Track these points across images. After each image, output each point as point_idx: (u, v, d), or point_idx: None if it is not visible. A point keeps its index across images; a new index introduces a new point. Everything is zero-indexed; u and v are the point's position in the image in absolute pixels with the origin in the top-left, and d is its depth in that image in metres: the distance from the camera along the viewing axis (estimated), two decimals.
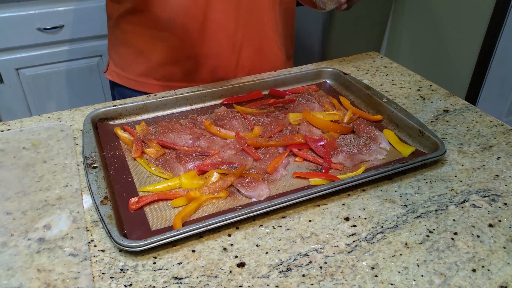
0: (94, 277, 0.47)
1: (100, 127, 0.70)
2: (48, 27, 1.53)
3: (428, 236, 0.53)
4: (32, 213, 0.55)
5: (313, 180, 0.60)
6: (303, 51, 2.09)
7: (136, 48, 0.88)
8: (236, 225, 0.54)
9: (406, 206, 0.57)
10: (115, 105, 0.72)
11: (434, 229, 0.53)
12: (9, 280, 0.47)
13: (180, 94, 0.76)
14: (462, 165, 0.64)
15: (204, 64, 0.87)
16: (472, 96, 1.92)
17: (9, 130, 0.71)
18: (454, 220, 0.55)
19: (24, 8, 1.48)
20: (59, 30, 1.55)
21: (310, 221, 0.54)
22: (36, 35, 1.53)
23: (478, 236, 0.53)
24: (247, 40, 0.88)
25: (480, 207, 0.57)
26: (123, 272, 0.47)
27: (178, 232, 0.49)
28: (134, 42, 0.88)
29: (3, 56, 1.52)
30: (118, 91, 0.96)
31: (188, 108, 0.76)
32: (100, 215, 0.51)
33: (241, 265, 0.48)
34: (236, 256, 0.49)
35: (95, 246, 0.51)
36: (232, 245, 0.51)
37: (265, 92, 0.81)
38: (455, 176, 0.62)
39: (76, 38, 1.59)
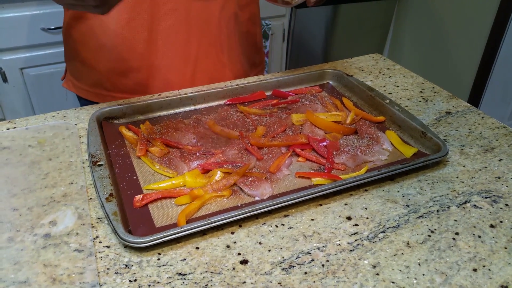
0: (99, 272, 0.48)
1: (105, 126, 0.70)
2: (52, 27, 1.54)
3: (429, 236, 0.53)
4: (38, 209, 0.56)
5: (316, 180, 0.60)
6: (305, 53, 2.10)
7: (84, 57, 0.86)
8: (239, 223, 0.54)
9: (408, 206, 0.57)
10: (120, 105, 0.73)
11: (435, 229, 0.54)
12: (16, 274, 0.47)
13: (184, 94, 0.77)
14: (464, 166, 0.65)
15: (155, 76, 0.85)
16: (474, 100, 1.93)
17: (15, 128, 0.71)
18: (455, 220, 0.55)
19: (29, 8, 1.49)
20: None
21: (312, 220, 0.55)
22: (40, 35, 1.54)
23: (479, 237, 0.53)
24: (202, 53, 0.85)
25: (481, 208, 0.58)
26: (128, 267, 0.48)
27: (182, 229, 0.50)
28: (82, 51, 0.85)
29: (7, 55, 1.53)
30: (81, 102, 0.94)
31: (192, 108, 0.77)
32: (106, 211, 0.52)
33: (244, 262, 0.49)
34: (239, 253, 0.50)
35: (100, 242, 0.51)
36: (235, 242, 0.52)
37: (268, 93, 0.82)
38: (457, 177, 0.63)
39: None
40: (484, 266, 0.49)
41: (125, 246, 0.51)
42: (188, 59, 0.85)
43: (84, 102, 0.92)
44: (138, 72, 0.84)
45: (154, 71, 0.84)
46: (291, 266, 0.49)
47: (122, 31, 0.80)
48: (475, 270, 0.49)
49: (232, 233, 0.53)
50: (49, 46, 1.58)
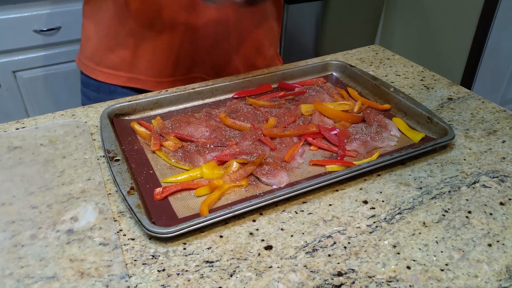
0: (126, 264, 0.48)
1: (116, 122, 0.71)
2: (45, 29, 1.53)
3: (444, 215, 0.55)
4: (58, 206, 0.56)
5: (330, 167, 0.62)
6: (298, 48, 2.11)
7: (86, 30, 0.90)
8: (260, 211, 0.55)
9: (420, 188, 0.59)
10: (130, 101, 0.74)
11: (449, 209, 0.56)
12: (43, 270, 0.48)
13: (192, 89, 0.78)
14: (470, 149, 0.67)
15: (140, 55, 0.87)
16: (465, 88, 1.97)
17: (24, 127, 0.71)
18: (467, 200, 0.57)
19: (21, 10, 1.48)
20: (56, 31, 1.55)
21: (330, 205, 0.56)
22: (33, 37, 1.53)
23: (491, 214, 0.55)
24: (243, 38, 0.87)
25: (490, 187, 0.60)
26: (155, 258, 0.49)
27: (207, 218, 0.50)
28: (87, 25, 0.89)
29: None
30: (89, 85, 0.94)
31: (200, 102, 0.78)
32: (129, 204, 0.53)
33: (269, 247, 0.50)
34: (262, 240, 0.51)
35: (125, 235, 0.52)
36: (257, 229, 0.53)
37: (274, 85, 0.83)
38: (464, 159, 0.65)
39: (73, 39, 1.59)
40: (498, 241, 0.51)
41: (150, 238, 0.51)
42: (173, 43, 0.85)
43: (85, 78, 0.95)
44: (125, 49, 0.86)
45: (140, 50, 0.86)
46: (314, 250, 0.50)
47: (112, 3, 0.83)
48: (490, 245, 0.51)
49: (254, 221, 0.54)
50: (42, 48, 1.57)
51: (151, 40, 0.85)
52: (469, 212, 0.55)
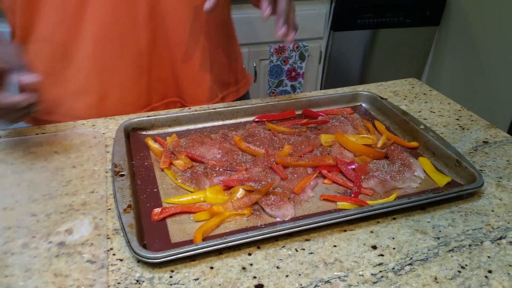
0: (109, 286, 0.46)
1: (132, 136, 0.70)
2: None
3: (459, 271, 0.49)
4: (56, 216, 0.56)
5: (341, 204, 0.57)
6: (342, 76, 2.07)
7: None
8: (258, 244, 0.52)
9: (438, 238, 0.53)
10: (149, 116, 0.73)
11: (466, 265, 0.50)
12: (25, 282, 0.47)
13: (213, 109, 0.76)
14: (500, 199, 0.60)
15: (109, 95, 0.80)
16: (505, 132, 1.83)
17: (44, 134, 0.73)
18: (489, 257, 0.51)
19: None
20: None
21: (335, 246, 0.52)
22: None
23: None
24: (156, 62, 0.80)
25: None
26: (139, 283, 0.47)
27: (197, 246, 0.48)
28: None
29: None
30: None
31: (220, 123, 0.76)
32: (122, 223, 0.51)
33: (259, 286, 0.47)
34: (254, 277, 0.48)
35: (114, 254, 0.50)
36: (251, 264, 0.49)
37: (298, 112, 0.80)
38: (492, 211, 0.58)
39: None
40: None
41: (138, 261, 0.49)
42: (141, 71, 0.79)
43: None
44: (89, 95, 0.80)
45: (107, 90, 0.80)
46: None
47: (63, 50, 0.75)
48: None
49: (249, 254, 0.50)
50: None
51: (117, 74, 0.79)
52: (490, 271, 0.49)
